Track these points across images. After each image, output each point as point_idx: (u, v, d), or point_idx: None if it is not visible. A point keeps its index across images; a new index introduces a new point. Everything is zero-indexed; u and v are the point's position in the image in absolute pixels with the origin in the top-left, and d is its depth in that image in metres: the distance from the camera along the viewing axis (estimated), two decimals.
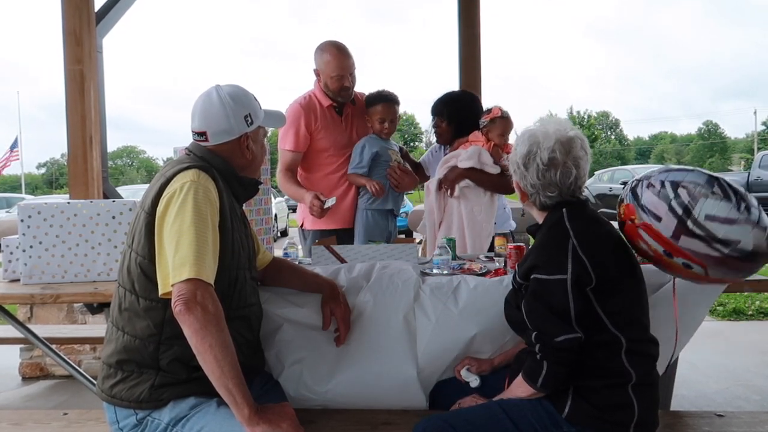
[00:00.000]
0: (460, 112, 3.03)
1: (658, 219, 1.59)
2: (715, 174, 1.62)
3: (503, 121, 2.92)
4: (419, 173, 3.28)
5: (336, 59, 2.89)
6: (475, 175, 2.87)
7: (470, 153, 2.88)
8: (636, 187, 1.67)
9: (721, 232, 1.53)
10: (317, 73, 2.96)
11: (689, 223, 1.55)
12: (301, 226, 3.15)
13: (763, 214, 1.58)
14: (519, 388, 1.60)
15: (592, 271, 1.52)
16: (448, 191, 2.93)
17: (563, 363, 1.51)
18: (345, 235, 3.00)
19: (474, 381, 1.85)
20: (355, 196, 3.03)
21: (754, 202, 1.58)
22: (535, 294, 1.56)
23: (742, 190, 1.59)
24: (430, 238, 3.03)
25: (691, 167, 1.67)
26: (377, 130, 3.00)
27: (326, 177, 3.02)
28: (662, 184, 1.62)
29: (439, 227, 2.96)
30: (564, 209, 1.64)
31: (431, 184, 3.00)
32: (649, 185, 1.64)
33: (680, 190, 1.58)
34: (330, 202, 2.73)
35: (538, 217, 1.73)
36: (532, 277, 1.58)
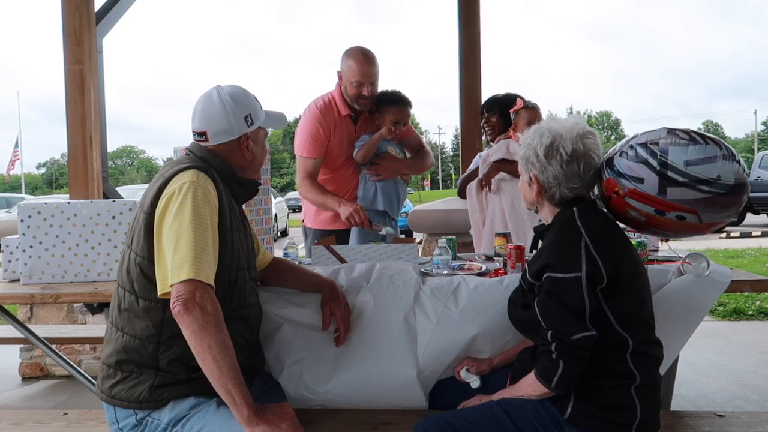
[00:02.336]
0: (509, 105, 3.10)
1: (641, 181, 1.64)
2: (674, 126, 1.69)
3: (528, 111, 2.97)
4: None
5: (359, 65, 2.85)
6: (507, 166, 2.93)
7: (498, 146, 3.00)
8: (611, 160, 1.70)
9: (702, 173, 1.60)
10: (340, 75, 2.94)
11: (671, 174, 1.61)
12: (303, 222, 3.16)
13: (731, 148, 1.67)
14: (530, 387, 1.58)
15: (603, 270, 1.52)
16: (487, 188, 2.98)
17: (579, 362, 1.50)
18: (345, 236, 3.00)
19: (474, 382, 1.85)
20: (356, 199, 3.03)
21: (720, 140, 1.66)
22: (549, 293, 1.55)
23: (703, 132, 1.67)
24: (476, 238, 3.14)
25: (653, 128, 1.72)
26: (388, 131, 2.94)
27: (338, 180, 3.01)
28: (632, 148, 1.67)
29: (483, 225, 3.01)
30: (575, 208, 1.64)
31: (473, 184, 3.08)
32: (622, 153, 1.68)
33: (651, 147, 1.64)
34: (386, 231, 2.75)
35: (548, 215, 1.71)
36: (545, 276, 1.57)
